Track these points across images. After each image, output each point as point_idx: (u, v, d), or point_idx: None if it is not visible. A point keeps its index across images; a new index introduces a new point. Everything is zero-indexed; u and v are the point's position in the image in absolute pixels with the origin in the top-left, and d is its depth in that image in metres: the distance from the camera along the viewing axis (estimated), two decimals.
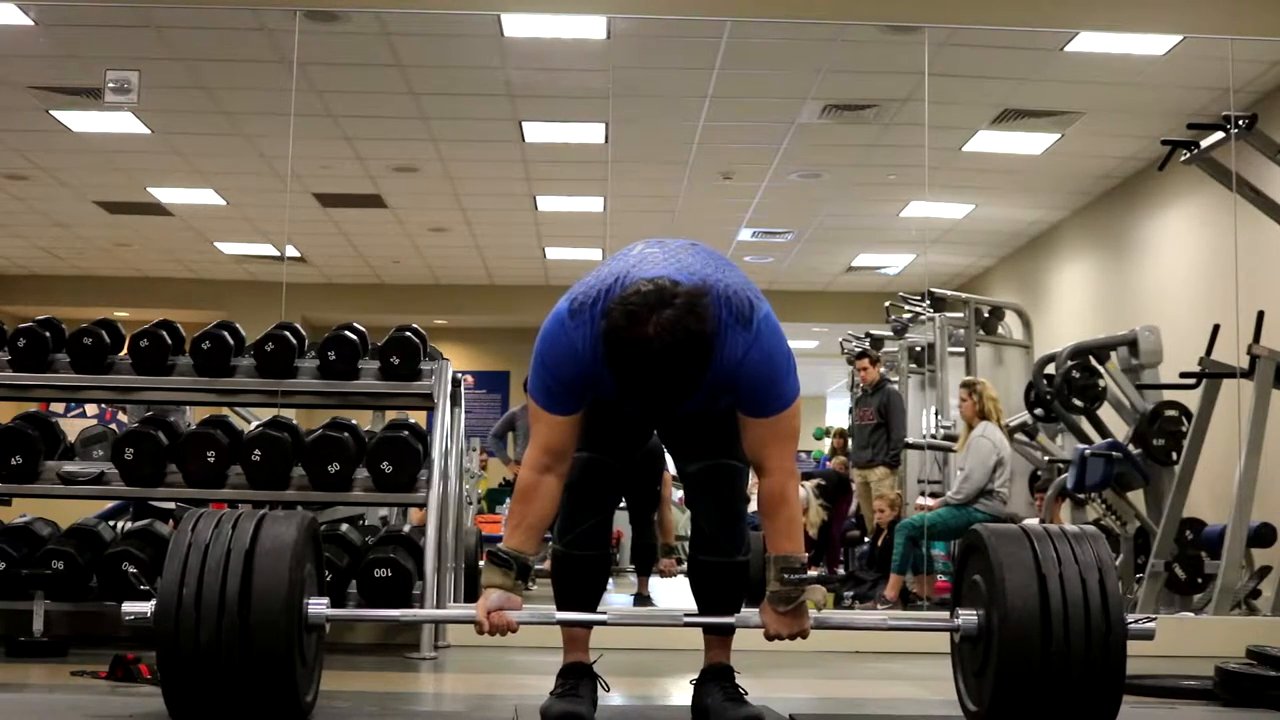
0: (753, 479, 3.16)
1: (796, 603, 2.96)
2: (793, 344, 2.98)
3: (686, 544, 6.97)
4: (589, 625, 3.25)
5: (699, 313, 2.69)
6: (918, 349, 9.64)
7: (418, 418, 6.24)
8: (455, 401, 5.84)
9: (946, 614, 3.25)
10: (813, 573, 3.02)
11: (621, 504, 6.89)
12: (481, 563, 4.86)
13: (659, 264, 2.87)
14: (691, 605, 3.29)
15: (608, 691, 3.30)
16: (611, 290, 2.82)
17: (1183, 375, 6.81)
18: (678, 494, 9.80)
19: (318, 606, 3.05)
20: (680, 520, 10.24)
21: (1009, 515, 7.30)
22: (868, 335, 10.17)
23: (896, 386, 9.32)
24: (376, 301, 13.12)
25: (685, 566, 7.66)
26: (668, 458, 3.75)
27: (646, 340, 2.65)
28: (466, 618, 3.02)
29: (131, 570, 5.14)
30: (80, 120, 8.65)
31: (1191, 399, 6.85)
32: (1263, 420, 6.45)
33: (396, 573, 5.27)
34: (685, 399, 2.77)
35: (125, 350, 5.74)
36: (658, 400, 2.76)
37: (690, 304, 2.69)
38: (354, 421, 5.87)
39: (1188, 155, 7.04)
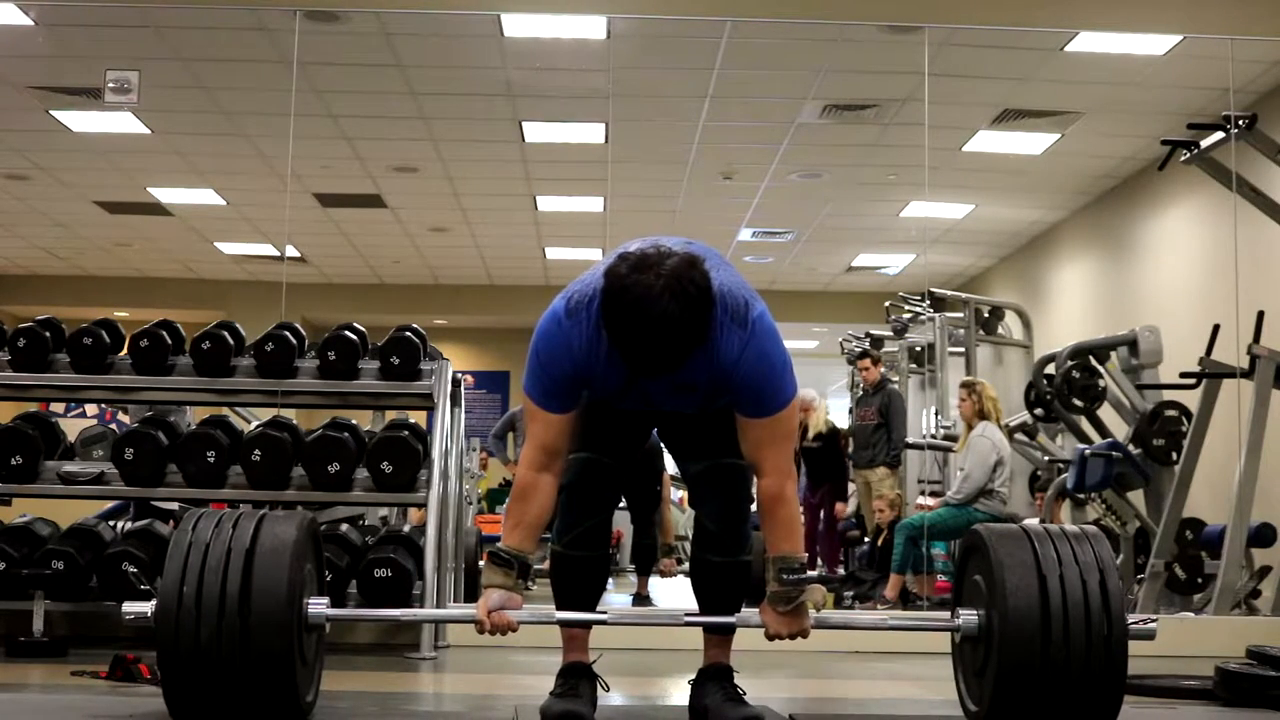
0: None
1: (796, 603, 2.96)
2: (793, 344, 2.98)
3: (687, 544, 7.01)
4: (589, 625, 3.25)
5: (699, 268, 2.74)
6: (918, 349, 9.64)
7: (418, 418, 6.24)
8: (455, 401, 5.84)
9: (947, 614, 3.25)
10: (812, 573, 3.02)
11: (622, 504, 6.90)
12: (481, 563, 4.86)
13: None
14: (692, 605, 3.29)
15: (607, 691, 3.30)
16: None
17: (1183, 375, 6.80)
18: (678, 494, 9.81)
19: (318, 606, 3.05)
20: (680, 520, 10.25)
21: (1009, 515, 7.30)
22: (868, 335, 10.17)
23: (897, 386, 9.33)
24: (376, 301, 13.12)
25: (685, 566, 7.67)
26: (667, 457, 3.75)
27: (648, 287, 2.67)
28: (466, 618, 3.02)
29: (131, 570, 5.15)
30: (80, 120, 8.65)
31: (1191, 399, 6.85)
32: (1263, 420, 6.44)
33: (396, 573, 5.27)
34: (685, 358, 2.76)
35: (125, 350, 5.74)
36: (659, 359, 2.74)
37: (689, 260, 2.74)
38: (354, 421, 5.87)
39: (1188, 155, 7.04)
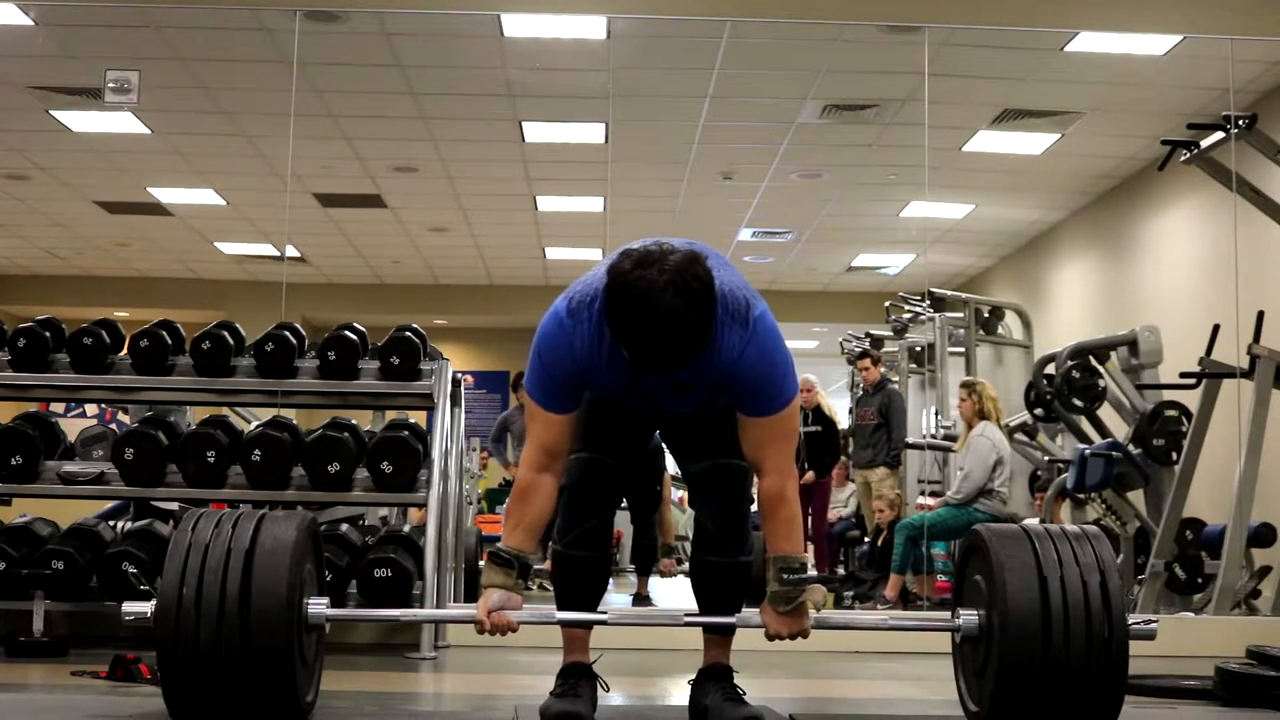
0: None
1: (796, 603, 2.96)
2: (793, 344, 2.98)
3: (687, 544, 7.01)
4: (589, 625, 3.25)
5: (701, 263, 2.74)
6: (918, 349, 9.65)
7: (418, 418, 6.24)
8: (455, 401, 5.84)
9: (947, 614, 3.25)
10: (812, 572, 3.02)
11: (622, 504, 6.90)
12: (481, 563, 4.86)
13: None
14: (692, 605, 3.29)
15: (607, 691, 3.30)
16: None
17: (1183, 375, 6.81)
18: (678, 494, 9.81)
19: (318, 606, 3.05)
20: (680, 520, 10.25)
21: (1009, 515, 7.31)
22: (868, 335, 10.18)
23: (897, 386, 9.33)
24: (376, 301, 13.12)
25: (685, 566, 7.69)
26: (668, 456, 3.76)
27: (652, 282, 2.67)
28: (466, 618, 3.02)
29: (131, 570, 5.15)
30: (80, 120, 8.65)
31: (1191, 399, 6.85)
32: (1263, 420, 6.44)
33: (396, 573, 5.28)
34: (689, 355, 2.75)
35: (125, 350, 5.74)
36: (663, 355, 2.73)
37: (692, 256, 2.74)
38: (354, 421, 5.87)
39: (1188, 155, 7.04)
